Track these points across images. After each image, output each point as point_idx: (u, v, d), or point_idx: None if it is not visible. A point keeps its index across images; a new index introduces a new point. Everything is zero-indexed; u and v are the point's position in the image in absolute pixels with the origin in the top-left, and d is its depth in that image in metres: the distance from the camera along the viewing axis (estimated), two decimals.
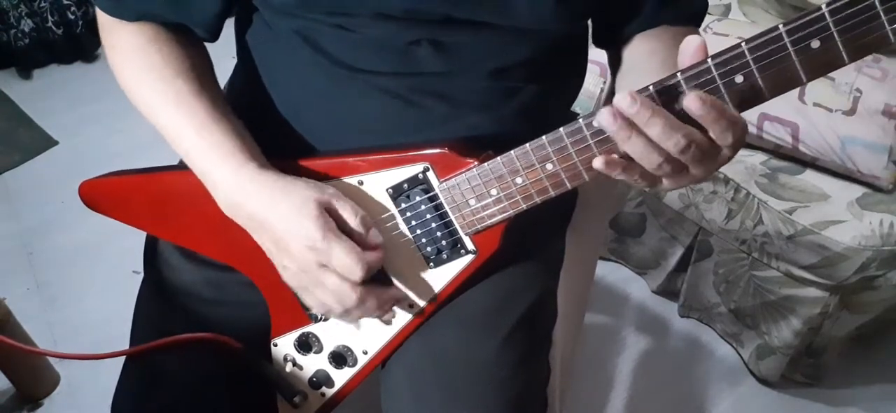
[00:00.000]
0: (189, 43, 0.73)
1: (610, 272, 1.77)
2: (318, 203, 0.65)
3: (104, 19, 0.73)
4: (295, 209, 0.65)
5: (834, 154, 1.34)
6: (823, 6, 0.48)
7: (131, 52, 0.71)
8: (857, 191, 1.36)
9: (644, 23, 0.74)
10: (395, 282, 0.74)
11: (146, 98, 0.70)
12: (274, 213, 0.66)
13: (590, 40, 0.81)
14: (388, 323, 0.76)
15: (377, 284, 0.70)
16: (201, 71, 0.72)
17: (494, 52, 0.68)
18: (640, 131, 0.53)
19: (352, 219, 0.66)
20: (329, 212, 0.66)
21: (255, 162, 0.68)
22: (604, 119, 0.54)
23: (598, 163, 0.57)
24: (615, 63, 0.78)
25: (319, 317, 0.77)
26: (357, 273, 0.64)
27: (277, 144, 0.73)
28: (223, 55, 0.85)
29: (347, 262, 0.64)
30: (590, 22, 0.79)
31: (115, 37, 0.72)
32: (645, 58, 0.73)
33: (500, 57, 0.69)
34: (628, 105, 0.52)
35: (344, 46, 0.68)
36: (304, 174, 0.70)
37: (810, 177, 1.40)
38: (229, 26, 0.75)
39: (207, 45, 0.76)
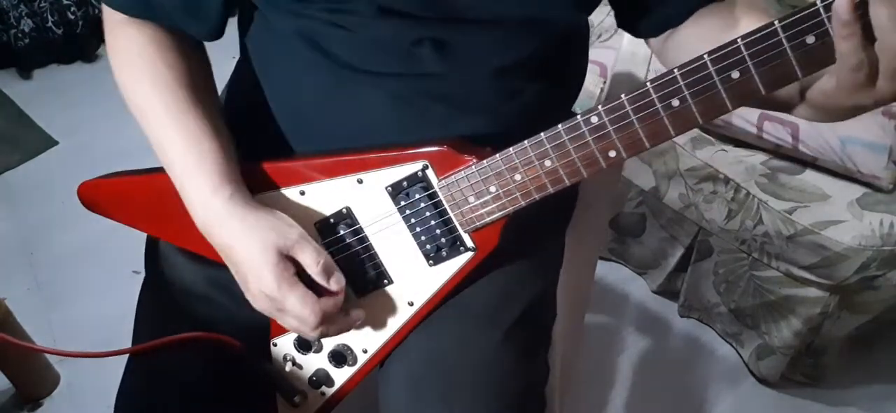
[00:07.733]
0: (190, 48, 0.73)
1: (610, 272, 1.77)
2: (277, 251, 0.66)
3: (108, 16, 0.72)
4: (255, 253, 0.66)
5: (834, 154, 1.34)
6: (818, 2, 0.48)
7: (130, 57, 0.71)
8: (857, 191, 1.36)
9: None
10: (395, 279, 0.74)
11: (139, 104, 0.70)
12: (236, 249, 0.67)
13: (590, 41, 0.82)
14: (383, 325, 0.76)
15: (340, 313, 0.70)
16: (198, 80, 0.72)
17: (497, 50, 0.68)
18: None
19: (312, 266, 0.66)
20: (290, 258, 0.66)
21: (229, 187, 0.68)
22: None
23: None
24: (662, 53, 0.75)
25: None
26: (310, 322, 0.66)
27: (278, 145, 0.73)
28: (224, 56, 0.85)
29: (301, 313, 0.66)
30: (625, 7, 0.75)
31: (117, 37, 0.72)
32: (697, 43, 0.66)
33: (502, 56, 0.69)
34: None
35: (345, 47, 0.68)
36: (302, 172, 0.70)
37: (810, 177, 1.40)
38: (230, 26, 0.75)
39: (209, 44, 0.76)
